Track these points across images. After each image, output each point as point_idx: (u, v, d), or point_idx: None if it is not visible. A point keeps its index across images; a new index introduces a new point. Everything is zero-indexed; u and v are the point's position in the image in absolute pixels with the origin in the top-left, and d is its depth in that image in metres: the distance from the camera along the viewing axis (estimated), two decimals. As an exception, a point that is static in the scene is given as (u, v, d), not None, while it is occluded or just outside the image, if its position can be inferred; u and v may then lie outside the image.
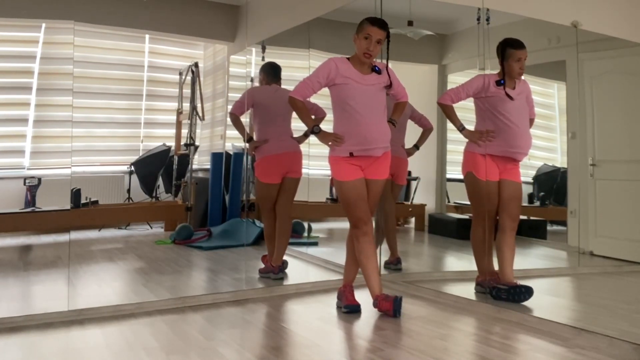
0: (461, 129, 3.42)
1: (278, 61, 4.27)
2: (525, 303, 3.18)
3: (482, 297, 3.37)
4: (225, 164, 6.31)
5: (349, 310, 3.11)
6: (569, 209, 4.80)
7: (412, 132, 4.36)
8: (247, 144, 4.04)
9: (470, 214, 3.66)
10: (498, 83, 3.33)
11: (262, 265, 4.07)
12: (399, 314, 3.01)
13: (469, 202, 3.55)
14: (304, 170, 4.09)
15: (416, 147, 4.36)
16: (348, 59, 3.06)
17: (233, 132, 4.08)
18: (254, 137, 3.99)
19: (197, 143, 6.54)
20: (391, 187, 4.21)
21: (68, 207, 5.44)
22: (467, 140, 3.48)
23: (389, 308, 3.00)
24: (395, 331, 2.82)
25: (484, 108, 3.41)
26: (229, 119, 4.07)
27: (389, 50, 3.07)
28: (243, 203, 6.08)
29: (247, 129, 4.09)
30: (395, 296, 3.04)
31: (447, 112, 3.43)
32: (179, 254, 4.98)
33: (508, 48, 3.34)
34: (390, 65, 3.11)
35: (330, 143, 3.05)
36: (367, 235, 3.05)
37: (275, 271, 3.88)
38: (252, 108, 3.99)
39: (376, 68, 3.06)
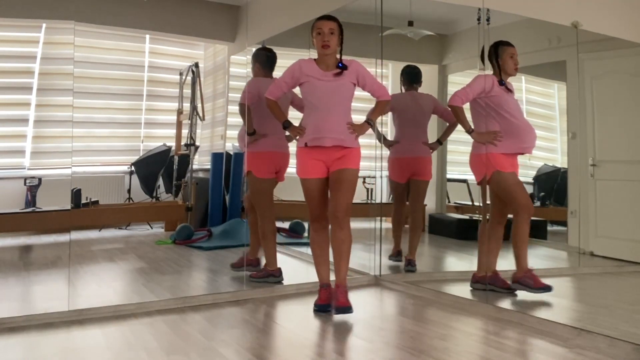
0: (470, 130, 3.44)
1: (277, 61, 4.22)
2: (525, 303, 3.17)
3: (482, 297, 3.37)
4: (226, 164, 6.31)
5: (318, 309, 3.12)
6: (570, 209, 4.79)
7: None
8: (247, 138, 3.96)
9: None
10: (500, 82, 3.38)
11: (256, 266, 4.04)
12: (342, 312, 3.00)
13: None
14: None
15: (439, 142, 4.28)
16: (315, 60, 3.20)
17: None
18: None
19: (197, 143, 6.54)
20: (417, 187, 4.20)
21: (68, 207, 5.43)
22: (469, 140, 3.48)
23: (344, 303, 3.01)
24: (395, 331, 2.82)
25: (486, 108, 3.42)
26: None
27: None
28: (243, 203, 6.07)
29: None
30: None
31: (457, 113, 3.44)
32: (179, 254, 4.98)
33: (500, 46, 3.44)
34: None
35: (297, 137, 3.20)
36: (324, 228, 3.23)
37: (276, 274, 3.84)
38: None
39: (339, 64, 3.16)
